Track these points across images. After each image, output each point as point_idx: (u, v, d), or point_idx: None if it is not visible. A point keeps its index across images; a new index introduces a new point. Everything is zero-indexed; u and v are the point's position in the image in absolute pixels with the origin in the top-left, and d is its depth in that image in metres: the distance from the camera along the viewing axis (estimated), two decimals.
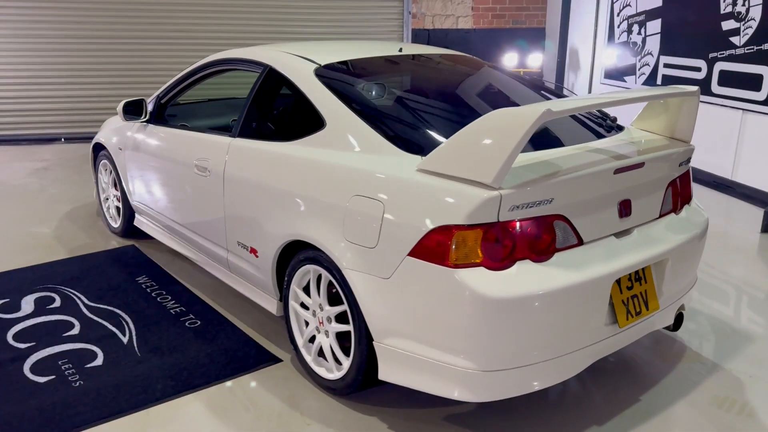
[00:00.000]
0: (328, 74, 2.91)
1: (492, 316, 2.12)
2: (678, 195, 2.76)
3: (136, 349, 3.12)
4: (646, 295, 2.54)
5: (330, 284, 2.60)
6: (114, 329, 3.32)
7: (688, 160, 2.79)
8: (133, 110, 3.84)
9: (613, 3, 7.80)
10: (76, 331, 3.31)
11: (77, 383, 2.83)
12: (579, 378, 2.83)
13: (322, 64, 2.99)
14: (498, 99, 3.20)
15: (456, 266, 2.13)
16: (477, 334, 2.15)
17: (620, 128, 2.94)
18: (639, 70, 7.34)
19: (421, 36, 9.01)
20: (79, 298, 3.68)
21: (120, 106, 3.78)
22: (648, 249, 2.50)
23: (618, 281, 2.42)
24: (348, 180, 2.48)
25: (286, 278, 2.82)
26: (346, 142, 2.60)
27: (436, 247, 2.15)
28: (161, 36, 8.21)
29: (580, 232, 2.34)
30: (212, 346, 3.14)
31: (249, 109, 3.15)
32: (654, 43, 7.05)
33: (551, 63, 9.36)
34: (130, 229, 4.49)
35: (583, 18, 8.65)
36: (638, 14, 7.32)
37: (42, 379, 2.86)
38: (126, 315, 3.47)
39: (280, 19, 8.53)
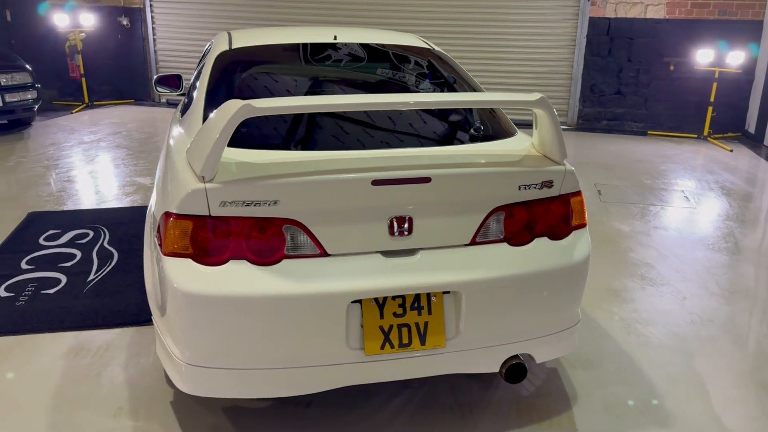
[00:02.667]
0: (226, 58, 3.00)
1: (189, 310, 2.09)
2: (521, 223, 2.30)
3: (88, 287, 3.63)
4: (425, 328, 2.22)
5: None
6: (94, 267, 3.89)
7: (548, 184, 2.30)
8: (167, 83, 4.32)
9: None
10: (70, 263, 3.94)
11: (20, 303, 3.42)
12: (389, 414, 2.58)
13: (232, 47, 3.09)
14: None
15: (168, 254, 2.14)
16: (179, 326, 2.14)
17: (488, 137, 2.53)
18: None
19: (599, 25, 8.21)
20: (104, 239, 4.34)
21: (154, 78, 4.30)
22: (424, 276, 2.17)
23: (380, 304, 2.17)
24: (166, 159, 2.60)
25: None
26: (189, 123, 2.70)
27: (158, 232, 2.19)
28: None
29: (322, 243, 2.14)
30: (142, 297, 3.50)
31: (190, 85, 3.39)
32: None
33: (763, 63, 7.80)
34: None
35: None
36: None
37: (4, 295, 3.51)
38: (117, 258, 4.02)
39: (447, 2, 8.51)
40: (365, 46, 3.16)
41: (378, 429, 2.46)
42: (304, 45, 3.14)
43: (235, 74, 2.92)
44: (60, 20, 8.66)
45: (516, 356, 2.38)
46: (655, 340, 3.15)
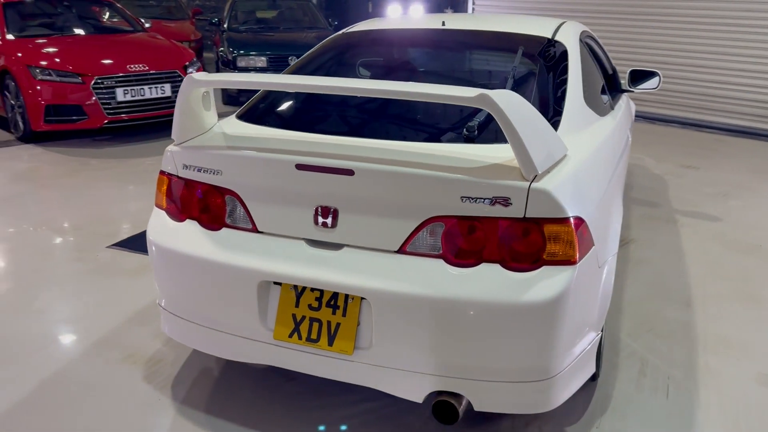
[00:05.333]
0: (339, 39, 3.13)
1: (155, 258, 2.36)
2: (463, 242, 1.94)
3: None
4: (336, 329, 2.07)
5: None
6: None
7: (502, 202, 1.88)
8: None
9: None
10: None
11: None
12: None
13: (349, 31, 3.21)
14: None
15: (157, 206, 2.44)
16: (154, 271, 2.43)
17: (472, 139, 2.16)
18: None
19: None
20: None
21: None
22: (339, 274, 2.02)
23: (299, 293, 2.12)
24: None
25: None
26: None
27: None
28: None
29: (254, 219, 2.17)
30: None
31: None
32: None
33: None
34: None
35: None
36: None
37: None
38: None
39: None
40: (469, 33, 2.94)
41: (322, 421, 2.39)
42: (403, 30, 3.08)
43: (324, 54, 3.04)
44: (393, 10, 9.68)
45: (455, 394, 2.05)
46: None
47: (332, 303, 2.09)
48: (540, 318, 1.91)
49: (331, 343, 2.08)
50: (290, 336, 2.13)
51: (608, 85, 4.10)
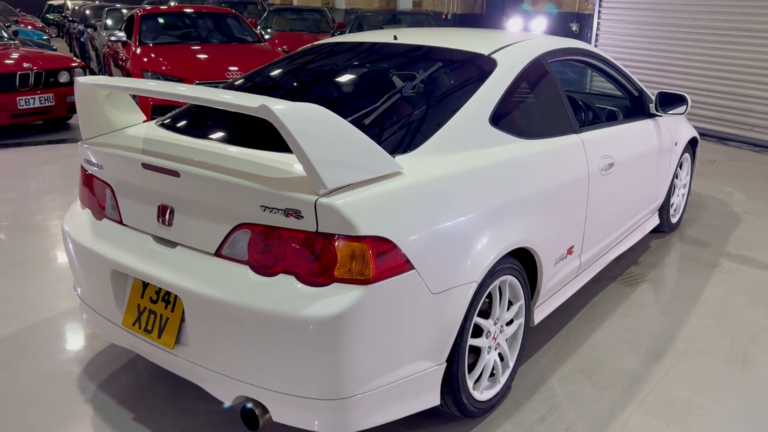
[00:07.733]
0: (306, 48, 3.24)
1: (64, 242, 2.63)
2: (263, 250, 1.95)
3: None
4: (165, 323, 2.17)
5: None
6: None
7: (294, 213, 1.86)
8: None
9: None
10: None
11: None
12: None
13: (316, 43, 3.29)
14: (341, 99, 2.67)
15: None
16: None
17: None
18: None
19: None
20: None
21: None
22: (166, 271, 2.13)
23: (145, 285, 2.26)
24: None
25: None
26: None
27: None
28: None
29: (121, 212, 2.34)
30: None
31: None
32: None
33: None
34: None
35: None
36: None
37: None
38: None
39: None
40: (407, 47, 2.90)
41: (198, 412, 2.50)
42: (351, 44, 3.11)
43: (287, 61, 3.14)
44: (513, 24, 9.48)
45: (257, 402, 2.06)
46: None
47: (166, 298, 2.20)
48: (321, 334, 1.87)
49: (159, 335, 2.20)
50: (133, 324, 2.27)
51: (631, 107, 3.81)
